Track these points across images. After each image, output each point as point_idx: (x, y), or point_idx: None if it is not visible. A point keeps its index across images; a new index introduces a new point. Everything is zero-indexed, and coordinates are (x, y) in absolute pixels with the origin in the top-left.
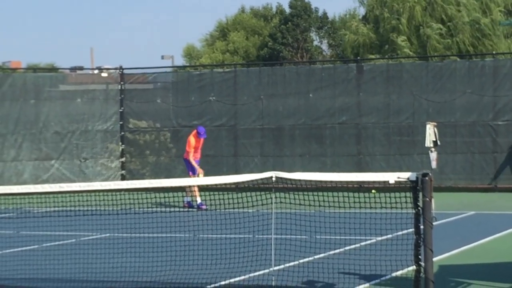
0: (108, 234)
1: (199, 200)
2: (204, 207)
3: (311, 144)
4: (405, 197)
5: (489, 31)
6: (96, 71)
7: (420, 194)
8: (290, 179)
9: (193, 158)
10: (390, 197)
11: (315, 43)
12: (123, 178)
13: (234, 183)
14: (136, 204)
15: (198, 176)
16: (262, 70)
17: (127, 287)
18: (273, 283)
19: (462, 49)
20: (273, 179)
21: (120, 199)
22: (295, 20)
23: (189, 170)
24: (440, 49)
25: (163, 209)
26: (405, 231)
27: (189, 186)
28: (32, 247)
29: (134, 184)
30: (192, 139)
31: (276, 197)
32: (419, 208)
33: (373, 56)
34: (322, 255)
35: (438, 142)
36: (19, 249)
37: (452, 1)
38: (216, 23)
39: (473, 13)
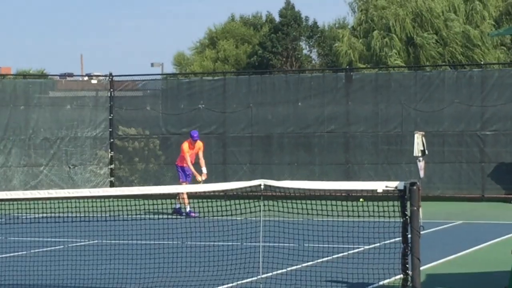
0: (96, 241)
1: (188, 208)
2: (193, 214)
3: (299, 152)
4: (393, 206)
5: (478, 41)
6: (85, 78)
7: (408, 203)
8: (279, 187)
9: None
10: (378, 205)
11: (305, 52)
12: (112, 185)
13: (223, 191)
14: (124, 211)
15: (200, 181)
16: (252, 79)
17: None
18: None
19: (454, 59)
20: (262, 187)
21: (109, 206)
22: (285, 29)
23: (180, 177)
24: (432, 58)
25: (152, 216)
26: (392, 240)
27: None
28: (20, 253)
29: (123, 191)
30: (185, 145)
31: (264, 205)
32: (406, 217)
33: (363, 67)
34: (310, 263)
35: (426, 152)
36: (7, 255)
37: (439, 14)
38: (206, 30)
39: (462, 26)
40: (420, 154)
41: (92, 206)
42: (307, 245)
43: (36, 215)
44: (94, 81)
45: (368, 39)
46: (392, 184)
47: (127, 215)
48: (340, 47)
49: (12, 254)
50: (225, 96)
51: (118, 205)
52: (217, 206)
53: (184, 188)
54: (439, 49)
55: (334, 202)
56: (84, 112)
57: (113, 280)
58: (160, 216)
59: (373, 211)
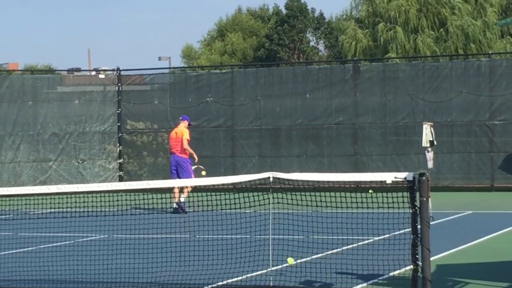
0: (105, 236)
1: (182, 199)
2: (179, 208)
3: (308, 144)
4: (402, 197)
5: (479, 35)
6: (93, 73)
7: (417, 194)
8: (288, 180)
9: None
10: (387, 197)
11: (312, 44)
12: (120, 179)
13: (232, 184)
14: (133, 205)
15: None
16: (259, 71)
17: None
18: (271, 283)
19: (454, 52)
20: (271, 179)
21: (118, 200)
22: (291, 21)
23: (189, 173)
24: (434, 53)
25: (161, 210)
26: (402, 231)
27: (184, 188)
28: (29, 248)
29: (131, 185)
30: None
31: (273, 198)
32: (416, 207)
33: (369, 58)
34: (319, 255)
35: (435, 142)
36: (17, 250)
37: (446, 4)
38: (216, 22)
39: (465, 17)
40: (428, 145)
41: (101, 201)
42: (316, 237)
43: (45, 211)
44: (101, 76)
45: (374, 30)
46: (401, 175)
47: (136, 209)
48: (344, 39)
49: (21, 250)
50: (233, 89)
51: (127, 200)
52: (226, 199)
53: (191, 182)
54: (439, 49)
55: (343, 194)
56: (92, 107)
57: (123, 274)
58: (170, 210)
59: (382, 202)
